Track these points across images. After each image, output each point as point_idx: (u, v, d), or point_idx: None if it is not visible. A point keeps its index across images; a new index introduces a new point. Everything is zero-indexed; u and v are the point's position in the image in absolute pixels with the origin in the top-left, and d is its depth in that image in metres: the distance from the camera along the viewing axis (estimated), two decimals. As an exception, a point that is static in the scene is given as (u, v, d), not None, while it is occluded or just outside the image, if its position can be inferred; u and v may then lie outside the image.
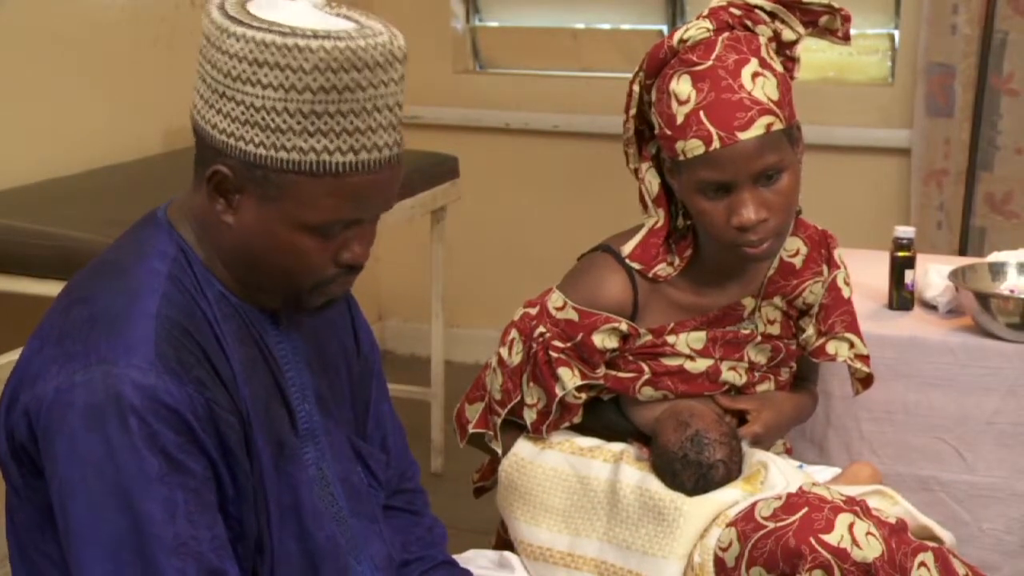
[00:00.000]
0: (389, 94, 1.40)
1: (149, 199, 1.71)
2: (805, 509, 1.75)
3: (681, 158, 1.84)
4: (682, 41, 1.85)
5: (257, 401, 1.48)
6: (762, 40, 1.87)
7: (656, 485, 1.91)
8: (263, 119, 1.37)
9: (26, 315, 2.14)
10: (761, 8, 1.89)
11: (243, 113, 1.37)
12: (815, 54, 3.75)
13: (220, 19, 1.39)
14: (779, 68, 1.86)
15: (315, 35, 1.35)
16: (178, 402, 1.37)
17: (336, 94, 1.36)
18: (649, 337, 1.97)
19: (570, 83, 4.23)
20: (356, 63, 1.36)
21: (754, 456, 1.96)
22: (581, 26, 4.30)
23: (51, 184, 2.87)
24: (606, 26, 4.29)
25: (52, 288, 2.37)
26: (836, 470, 2.11)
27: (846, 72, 4.02)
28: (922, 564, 1.75)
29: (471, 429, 2.06)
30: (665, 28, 4.15)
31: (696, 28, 1.86)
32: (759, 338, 2.02)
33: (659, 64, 1.88)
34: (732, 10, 1.88)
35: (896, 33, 3.90)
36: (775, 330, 2.04)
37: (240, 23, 1.37)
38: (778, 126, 1.82)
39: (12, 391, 1.43)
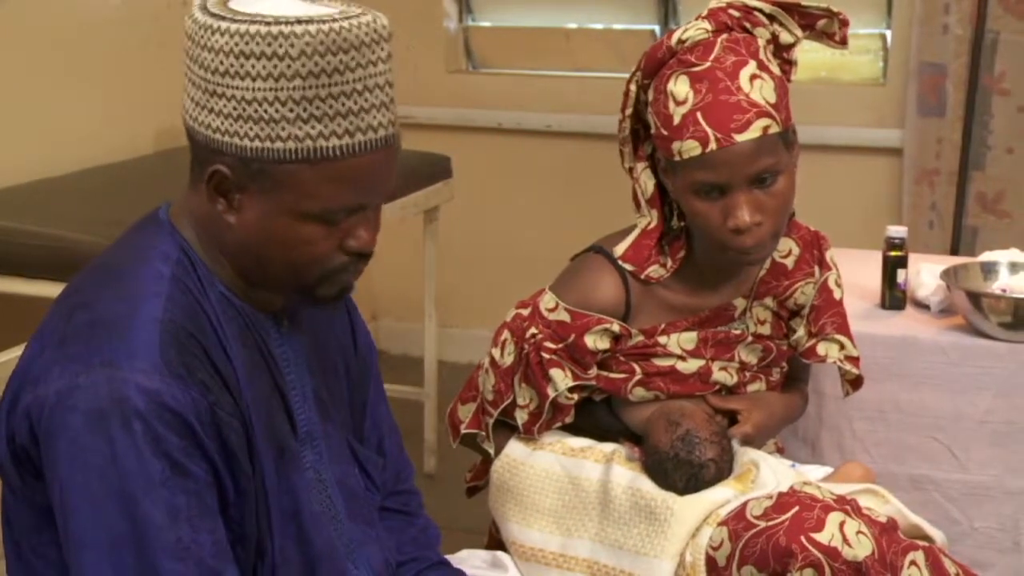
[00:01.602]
0: (378, 73, 1.40)
1: (141, 199, 1.71)
2: (796, 508, 1.76)
3: (677, 159, 1.84)
4: (681, 42, 1.85)
5: (258, 404, 1.47)
6: (760, 42, 1.87)
7: (648, 485, 1.91)
8: (255, 111, 1.37)
9: (18, 315, 2.14)
10: (760, 10, 1.89)
11: (235, 108, 1.37)
12: (807, 54, 3.71)
13: (203, 18, 1.39)
14: (777, 71, 1.86)
15: (299, 21, 1.36)
16: (182, 406, 1.37)
17: (325, 77, 1.37)
18: (641, 338, 1.97)
19: (563, 83, 4.23)
20: (342, 44, 1.37)
21: (745, 455, 1.97)
22: (574, 26, 4.30)
23: (43, 184, 2.86)
24: (599, 26, 4.29)
25: (45, 288, 2.38)
26: (828, 469, 2.11)
27: (838, 72, 4.02)
28: (912, 563, 1.75)
29: (463, 429, 2.06)
30: (657, 28, 4.15)
31: (695, 29, 1.86)
32: (750, 338, 2.03)
33: (657, 64, 1.88)
34: (731, 11, 1.88)
35: (888, 33, 3.90)
36: (766, 330, 2.04)
37: (223, 18, 1.38)
38: (775, 129, 1.82)
39: (13, 394, 1.42)
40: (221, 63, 1.37)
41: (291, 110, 1.37)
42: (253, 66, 1.36)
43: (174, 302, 1.41)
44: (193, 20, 1.40)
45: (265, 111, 1.37)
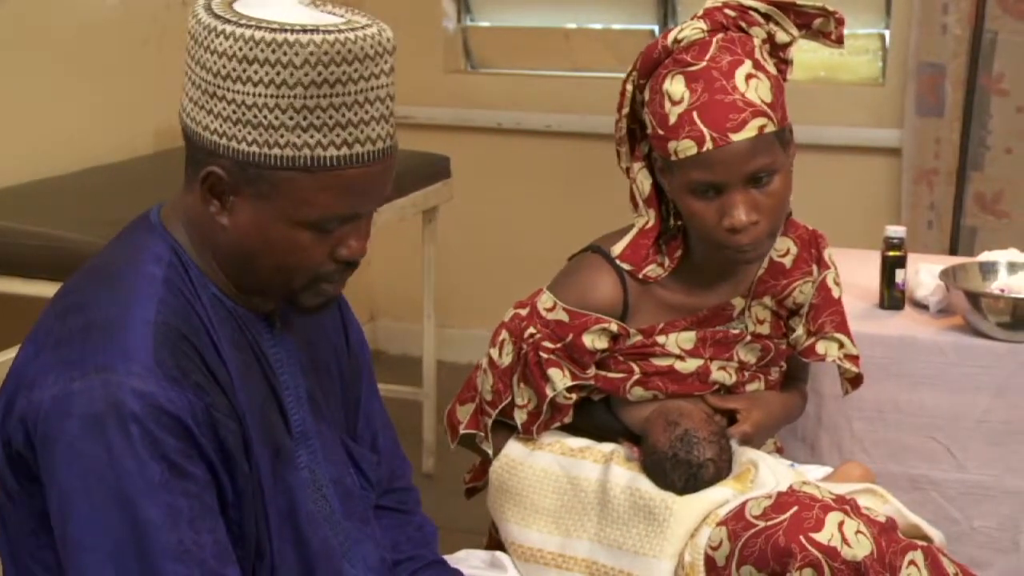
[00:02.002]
0: (380, 86, 1.40)
1: (140, 199, 1.71)
2: (795, 508, 1.76)
3: (673, 158, 1.84)
4: (676, 41, 1.85)
5: (253, 405, 1.47)
6: (756, 42, 1.87)
7: (646, 485, 1.91)
8: (255, 117, 1.37)
9: (16, 316, 2.14)
10: (755, 10, 1.89)
11: (235, 112, 1.37)
12: (806, 54, 3.76)
13: (207, 19, 1.39)
14: (772, 70, 1.86)
15: (304, 29, 1.36)
16: (178, 408, 1.37)
17: (328, 88, 1.37)
18: (639, 337, 1.98)
19: (562, 83, 4.23)
20: (346, 56, 1.36)
21: (744, 455, 1.97)
22: (573, 26, 4.30)
23: (41, 184, 2.86)
24: (597, 26, 4.29)
25: (42, 288, 2.38)
26: (827, 469, 2.11)
27: (837, 72, 4.03)
28: (911, 563, 1.75)
29: (462, 430, 2.06)
30: (656, 28, 4.15)
31: (691, 28, 1.86)
32: (749, 338, 2.03)
33: (653, 64, 1.88)
34: (727, 11, 1.88)
35: (886, 33, 3.90)
36: (765, 330, 2.04)
37: (228, 21, 1.37)
38: (771, 128, 1.82)
39: (8, 398, 1.42)
40: (223, 66, 1.37)
41: (291, 118, 1.37)
42: (256, 72, 1.36)
43: (166, 304, 1.41)
44: (197, 20, 1.40)
45: (264, 117, 1.37)
